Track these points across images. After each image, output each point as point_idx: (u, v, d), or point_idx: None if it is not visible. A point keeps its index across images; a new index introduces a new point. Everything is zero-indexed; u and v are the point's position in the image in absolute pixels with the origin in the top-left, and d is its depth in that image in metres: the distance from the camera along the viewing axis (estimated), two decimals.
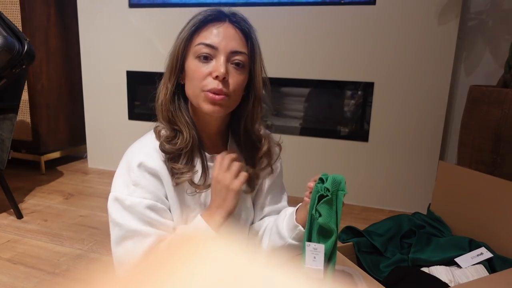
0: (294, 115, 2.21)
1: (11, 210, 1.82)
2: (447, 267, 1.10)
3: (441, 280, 1.03)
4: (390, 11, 1.91)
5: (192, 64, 0.73)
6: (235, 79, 0.73)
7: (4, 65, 1.63)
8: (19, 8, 2.28)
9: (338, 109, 2.13)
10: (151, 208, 0.73)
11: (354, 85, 2.05)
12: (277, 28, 2.06)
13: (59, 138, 2.61)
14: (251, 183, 0.84)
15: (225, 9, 0.76)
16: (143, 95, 2.51)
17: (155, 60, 2.38)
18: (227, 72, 0.71)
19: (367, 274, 1.03)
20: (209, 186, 0.78)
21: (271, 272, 0.17)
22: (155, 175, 0.74)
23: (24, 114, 2.43)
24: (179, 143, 0.75)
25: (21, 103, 2.03)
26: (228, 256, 0.18)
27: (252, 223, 0.92)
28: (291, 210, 0.88)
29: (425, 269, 1.10)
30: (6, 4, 2.29)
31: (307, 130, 2.18)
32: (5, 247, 1.54)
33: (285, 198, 0.96)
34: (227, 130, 0.84)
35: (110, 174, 2.47)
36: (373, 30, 1.95)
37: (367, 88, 2.02)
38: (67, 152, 2.72)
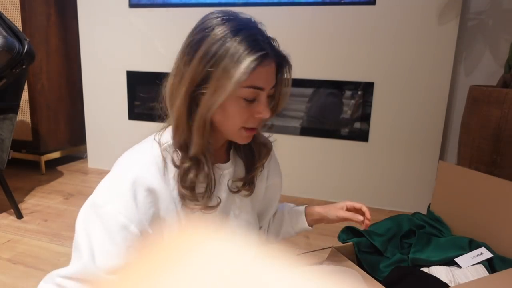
0: (294, 115, 2.21)
1: (11, 210, 1.82)
2: (447, 267, 1.10)
3: (441, 280, 1.03)
4: (390, 11, 1.91)
5: (237, 104, 0.69)
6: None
7: (4, 65, 1.63)
8: (19, 8, 2.28)
9: (338, 109, 2.13)
10: (122, 227, 0.64)
11: (354, 85, 2.05)
12: (277, 28, 2.05)
13: (59, 138, 2.61)
14: (250, 187, 0.84)
15: (253, 23, 0.71)
16: (143, 95, 2.51)
17: (155, 60, 2.38)
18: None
19: (367, 274, 1.03)
20: (216, 206, 0.75)
21: (269, 272, 0.17)
22: (150, 192, 0.67)
23: (24, 114, 2.43)
24: (192, 176, 0.71)
25: (21, 103, 2.03)
26: (228, 255, 0.18)
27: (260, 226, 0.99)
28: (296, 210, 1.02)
29: (425, 269, 1.10)
30: (6, 4, 2.29)
31: (307, 130, 2.18)
32: (5, 247, 1.54)
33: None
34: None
35: None
36: (373, 30, 1.95)
37: (367, 88, 2.02)
38: (67, 152, 2.72)
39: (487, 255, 1.10)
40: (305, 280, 0.16)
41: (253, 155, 0.84)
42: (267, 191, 0.95)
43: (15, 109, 1.83)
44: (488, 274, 1.07)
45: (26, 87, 2.36)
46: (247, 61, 0.64)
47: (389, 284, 1.00)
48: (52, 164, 2.65)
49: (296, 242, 1.51)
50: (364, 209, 0.94)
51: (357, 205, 0.95)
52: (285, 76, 0.74)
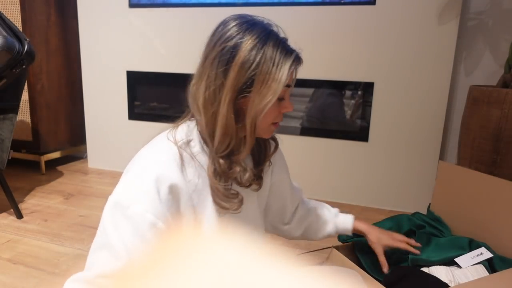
0: (294, 115, 2.21)
1: (11, 210, 1.82)
2: (447, 267, 1.10)
3: (441, 280, 1.03)
4: (390, 11, 1.91)
5: (273, 104, 0.74)
6: None
7: (4, 65, 1.63)
8: (19, 8, 2.28)
9: (338, 109, 2.13)
10: (152, 225, 0.66)
11: (354, 85, 2.05)
12: None
13: (59, 138, 2.61)
14: (259, 181, 0.87)
15: (277, 30, 0.78)
16: (143, 95, 2.51)
17: (155, 60, 2.38)
18: None
19: (367, 274, 1.03)
20: (240, 206, 0.79)
21: (269, 272, 0.17)
22: (172, 189, 0.70)
23: (24, 114, 2.43)
24: (235, 180, 0.78)
25: (21, 103, 2.03)
26: (228, 255, 0.18)
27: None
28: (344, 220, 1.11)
29: (425, 269, 1.10)
30: (6, 4, 2.29)
31: (307, 130, 2.18)
32: (5, 247, 1.54)
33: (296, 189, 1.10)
34: None
35: (110, 174, 2.49)
36: (373, 30, 1.95)
37: (367, 88, 2.02)
38: (67, 152, 2.72)
39: (487, 255, 1.10)
40: (305, 280, 0.16)
41: (261, 149, 0.88)
42: (273, 187, 0.97)
43: (15, 109, 1.83)
44: (488, 274, 1.07)
45: (26, 87, 2.36)
46: (288, 64, 0.72)
47: (389, 284, 1.00)
48: (52, 164, 2.65)
49: (296, 242, 1.51)
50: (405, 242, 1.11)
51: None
52: (297, 70, 0.81)
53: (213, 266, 0.17)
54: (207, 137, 0.74)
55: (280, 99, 0.76)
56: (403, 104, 1.97)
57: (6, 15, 1.79)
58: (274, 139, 0.92)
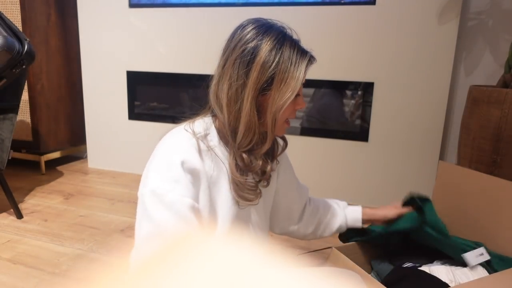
0: None
1: (11, 210, 1.82)
2: (448, 267, 1.10)
3: (441, 280, 1.03)
4: (390, 11, 1.91)
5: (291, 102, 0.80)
6: None
7: (4, 65, 1.63)
8: (19, 8, 2.28)
9: (338, 109, 2.13)
10: (191, 208, 0.73)
11: (354, 85, 2.05)
12: None
13: (59, 138, 2.61)
14: (267, 178, 0.91)
15: (293, 34, 0.84)
16: (143, 95, 2.51)
17: (155, 60, 2.38)
18: None
19: (367, 274, 1.03)
20: (258, 198, 0.85)
21: (269, 272, 0.17)
22: (194, 173, 0.75)
23: (24, 114, 2.43)
24: (254, 172, 0.83)
25: (21, 103, 2.03)
26: (233, 256, 0.18)
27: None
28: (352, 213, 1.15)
29: (425, 269, 1.10)
30: (6, 4, 2.29)
31: (307, 130, 2.18)
32: (5, 247, 1.55)
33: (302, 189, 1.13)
34: None
35: (110, 174, 2.49)
36: (373, 30, 1.95)
37: (367, 88, 2.02)
38: (67, 152, 2.72)
39: (486, 256, 1.10)
40: (305, 281, 0.16)
41: (270, 148, 0.91)
42: (280, 188, 1.01)
43: (15, 109, 1.83)
44: (488, 274, 1.07)
45: (26, 87, 2.36)
46: (304, 63, 0.79)
47: (389, 284, 1.00)
48: (52, 164, 2.65)
49: (296, 242, 1.51)
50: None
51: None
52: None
53: (215, 264, 0.17)
54: (230, 133, 0.79)
55: (297, 95, 0.81)
56: (403, 104, 1.98)
57: (6, 15, 1.79)
58: (284, 139, 0.95)
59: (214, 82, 0.80)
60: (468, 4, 1.97)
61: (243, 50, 0.75)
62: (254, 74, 0.75)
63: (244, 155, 0.79)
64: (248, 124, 0.77)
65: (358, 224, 1.13)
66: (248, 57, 0.75)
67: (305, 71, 0.78)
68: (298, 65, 0.77)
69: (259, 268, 0.17)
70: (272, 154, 0.92)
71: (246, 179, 0.81)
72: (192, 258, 0.18)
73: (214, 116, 0.84)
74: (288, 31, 0.82)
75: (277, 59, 0.75)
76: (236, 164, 0.80)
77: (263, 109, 0.78)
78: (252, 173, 0.84)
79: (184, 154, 0.74)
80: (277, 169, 0.97)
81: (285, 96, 0.76)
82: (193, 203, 0.73)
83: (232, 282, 0.16)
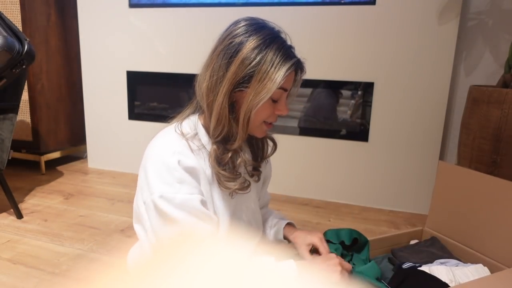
0: (293, 115, 2.21)
1: (11, 210, 1.82)
2: (448, 267, 1.10)
3: (441, 280, 1.03)
4: (390, 11, 1.91)
5: (266, 102, 0.79)
6: None
7: (4, 65, 1.63)
8: (19, 8, 2.28)
9: (338, 109, 2.13)
10: (202, 202, 0.77)
11: (354, 85, 2.05)
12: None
13: (59, 138, 2.61)
14: (257, 173, 0.94)
15: (285, 37, 0.83)
16: (143, 95, 2.51)
17: (155, 60, 2.38)
18: None
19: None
20: (248, 187, 0.87)
21: (269, 273, 0.17)
22: (192, 172, 0.78)
23: (24, 114, 2.43)
24: (231, 164, 0.83)
25: (21, 103, 2.03)
26: (232, 257, 0.18)
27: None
28: (278, 224, 1.04)
29: (425, 269, 1.10)
30: (6, 4, 2.29)
31: (307, 130, 2.18)
32: (5, 247, 1.54)
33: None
34: None
35: (110, 174, 2.49)
36: (373, 30, 1.95)
37: (367, 88, 2.02)
38: (67, 152, 2.72)
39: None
40: (305, 281, 0.16)
41: (260, 147, 0.94)
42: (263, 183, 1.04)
43: (15, 109, 1.83)
44: (488, 273, 1.07)
45: (26, 87, 2.36)
46: (286, 67, 0.77)
47: (394, 286, 1.01)
48: (52, 164, 2.65)
49: None
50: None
51: (321, 250, 0.93)
52: (298, 78, 0.86)
53: (207, 268, 0.17)
54: (208, 122, 0.82)
55: (275, 100, 0.81)
56: (403, 104, 1.98)
57: (6, 15, 1.79)
58: (273, 141, 0.96)
59: (200, 72, 0.83)
60: (468, 4, 1.97)
61: (230, 43, 0.77)
62: (232, 68, 0.76)
63: (215, 146, 0.81)
64: (218, 116, 0.78)
65: (282, 240, 1.02)
66: (232, 51, 0.77)
67: (284, 75, 0.76)
68: (278, 68, 0.76)
69: (259, 268, 0.17)
70: (261, 155, 0.95)
71: (224, 168, 0.82)
72: (217, 255, 0.18)
73: (200, 114, 0.87)
74: (283, 35, 0.82)
75: (258, 58, 0.76)
76: (212, 154, 0.82)
77: (238, 105, 0.80)
78: (225, 164, 0.84)
79: (179, 155, 0.77)
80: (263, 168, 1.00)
81: (259, 96, 0.76)
82: (202, 198, 0.77)
83: (230, 282, 0.16)
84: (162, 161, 0.76)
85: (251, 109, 0.78)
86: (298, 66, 0.82)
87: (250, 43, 0.76)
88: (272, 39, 0.78)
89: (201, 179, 0.80)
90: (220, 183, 0.82)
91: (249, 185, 0.87)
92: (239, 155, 0.83)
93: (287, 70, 0.77)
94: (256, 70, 0.76)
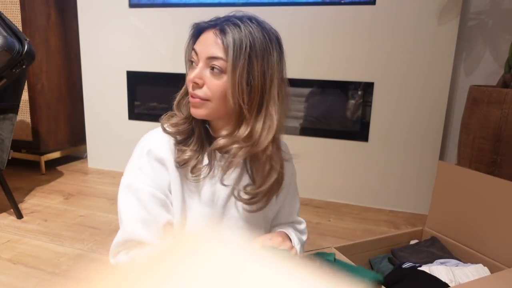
0: (293, 115, 2.21)
1: (11, 210, 1.82)
2: (448, 267, 1.10)
3: (441, 280, 1.03)
4: (390, 11, 1.91)
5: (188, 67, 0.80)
6: (211, 83, 0.74)
7: (4, 65, 1.63)
8: (19, 8, 2.28)
9: (338, 109, 2.13)
10: (152, 195, 0.76)
11: (354, 85, 2.05)
12: (276, 28, 2.06)
13: (59, 138, 2.61)
14: (253, 201, 0.81)
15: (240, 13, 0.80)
16: (143, 95, 2.51)
17: (155, 60, 2.38)
18: (200, 77, 0.75)
19: None
20: (212, 178, 0.81)
21: (268, 272, 0.17)
22: (161, 162, 0.78)
23: (24, 114, 2.43)
24: (185, 127, 0.80)
25: (21, 103, 2.03)
26: (227, 255, 0.18)
27: None
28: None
29: (425, 269, 1.10)
30: (6, 4, 2.29)
31: (307, 130, 2.18)
32: (5, 247, 1.54)
33: (295, 209, 0.99)
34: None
35: (110, 174, 2.49)
36: (373, 30, 1.95)
37: (367, 88, 2.02)
38: (67, 152, 2.72)
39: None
40: (305, 281, 0.16)
41: (258, 163, 0.80)
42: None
43: (15, 109, 1.83)
44: (488, 273, 1.07)
45: (26, 87, 2.36)
46: (193, 29, 0.86)
47: (389, 284, 1.00)
48: (52, 164, 2.65)
49: None
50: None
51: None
52: (231, 53, 0.77)
53: (204, 271, 0.17)
54: None
55: (190, 62, 0.81)
56: (403, 104, 1.98)
57: (6, 15, 1.79)
58: (281, 167, 0.82)
59: None
60: (468, 4, 1.97)
61: None
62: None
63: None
64: None
65: None
66: None
67: (190, 41, 0.81)
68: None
69: (258, 268, 0.17)
70: (260, 181, 0.82)
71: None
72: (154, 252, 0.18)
73: None
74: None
75: None
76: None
77: None
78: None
79: (151, 145, 0.78)
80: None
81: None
82: (154, 192, 0.76)
83: (230, 283, 0.16)
84: (139, 148, 0.80)
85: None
86: (210, 26, 0.78)
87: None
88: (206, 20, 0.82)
89: (170, 171, 0.78)
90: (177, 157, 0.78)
91: (196, 172, 0.78)
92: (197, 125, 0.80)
93: (193, 33, 0.81)
94: None
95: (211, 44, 0.74)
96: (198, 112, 0.76)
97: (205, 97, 0.75)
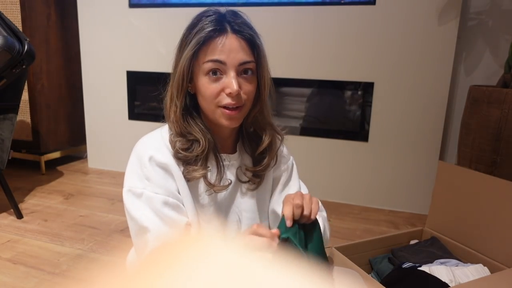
0: (294, 115, 2.21)
1: (11, 210, 1.82)
2: (447, 267, 1.10)
3: (441, 280, 1.03)
4: (390, 11, 1.91)
5: (204, 81, 0.74)
6: (247, 88, 0.74)
7: (4, 65, 1.63)
8: (19, 8, 2.28)
9: (338, 109, 2.13)
10: (165, 203, 0.74)
11: (354, 85, 2.05)
12: (276, 28, 2.06)
13: (59, 138, 2.61)
14: (256, 179, 0.85)
15: (223, 11, 0.76)
16: (143, 95, 2.51)
17: (155, 60, 2.38)
18: (239, 86, 0.72)
19: (367, 274, 1.03)
20: (227, 186, 0.80)
21: (268, 272, 0.17)
22: (165, 169, 0.76)
23: (24, 114, 2.43)
24: (195, 151, 0.76)
25: (21, 103, 2.03)
26: (227, 255, 0.18)
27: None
28: None
29: (425, 269, 1.10)
30: (6, 4, 2.29)
31: (307, 130, 2.18)
32: (5, 247, 1.54)
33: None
34: (236, 130, 0.85)
35: (110, 174, 2.49)
36: (373, 30, 1.95)
37: (367, 88, 2.02)
38: (67, 152, 2.72)
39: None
40: (305, 281, 0.16)
41: (256, 148, 0.84)
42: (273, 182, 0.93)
43: (15, 109, 1.83)
44: (488, 273, 1.07)
45: (26, 87, 2.36)
46: (197, 36, 0.75)
47: (389, 284, 1.00)
48: (52, 164, 2.65)
49: None
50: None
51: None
52: (256, 53, 0.78)
53: (204, 272, 0.17)
54: None
55: (214, 72, 0.73)
56: (403, 104, 1.97)
57: (6, 15, 1.79)
58: (279, 133, 0.86)
59: None
60: (468, 4, 1.97)
61: None
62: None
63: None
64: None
65: None
66: None
67: (196, 50, 0.73)
68: (187, 40, 0.76)
69: (258, 268, 0.17)
70: (255, 155, 0.87)
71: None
72: (182, 257, 0.18)
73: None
74: (218, 10, 0.77)
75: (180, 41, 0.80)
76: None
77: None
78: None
79: (152, 152, 0.75)
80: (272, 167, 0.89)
81: (178, 72, 0.80)
82: (166, 199, 0.74)
83: (229, 283, 0.16)
84: (138, 156, 0.76)
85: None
86: (220, 31, 0.72)
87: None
88: (206, 21, 0.73)
89: (176, 177, 0.77)
90: (185, 174, 0.77)
91: (228, 184, 0.80)
92: (206, 142, 0.77)
93: (199, 41, 0.72)
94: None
95: (238, 50, 0.72)
96: (236, 123, 0.76)
97: (241, 104, 0.74)
